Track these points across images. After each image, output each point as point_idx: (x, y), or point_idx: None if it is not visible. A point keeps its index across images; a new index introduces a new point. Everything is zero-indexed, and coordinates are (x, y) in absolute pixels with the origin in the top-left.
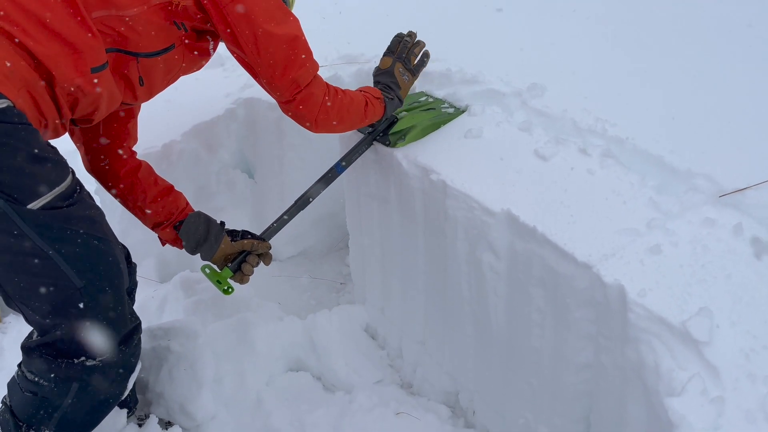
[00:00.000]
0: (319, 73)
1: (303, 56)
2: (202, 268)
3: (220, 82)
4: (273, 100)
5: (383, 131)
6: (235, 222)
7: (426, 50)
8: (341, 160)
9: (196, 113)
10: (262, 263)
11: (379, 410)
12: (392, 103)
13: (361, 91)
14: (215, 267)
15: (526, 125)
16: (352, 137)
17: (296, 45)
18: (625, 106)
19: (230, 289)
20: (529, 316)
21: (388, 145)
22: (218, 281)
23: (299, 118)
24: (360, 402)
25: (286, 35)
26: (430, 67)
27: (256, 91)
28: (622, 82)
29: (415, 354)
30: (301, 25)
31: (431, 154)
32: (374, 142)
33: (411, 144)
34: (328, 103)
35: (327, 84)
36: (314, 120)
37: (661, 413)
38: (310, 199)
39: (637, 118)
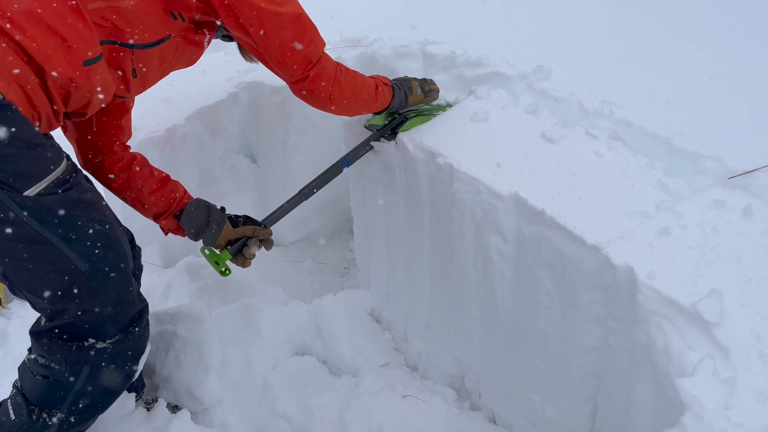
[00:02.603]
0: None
1: (311, 32)
2: (202, 249)
3: (222, 66)
4: (276, 84)
5: (392, 130)
6: (238, 207)
7: (438, 90)
8: (347, 155)
9: (199, 97)
10: (263, 248)
11: (385, 393)
12: (400, 94)
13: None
14: (215, 249)
15: (532, 108)
16: (359, 133)
17: (302, 21)
18: (632, 89)
19: (228, 271)
20: (536, 299)
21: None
22: (216, 262)
23: (313, 95)
24: (366, 385)
25: (291, 13)
26: (434, 50)
27: (258, 74)
28: (628, 64)
29: (421, 337)
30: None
31: (437, 138)
32: (381, 140)
33: (417, 128)
34: (341, 77)
35: (335, 61)
36: (328, 96)
37: (671, 394)
38: (314, 190)
39: (644, 100)
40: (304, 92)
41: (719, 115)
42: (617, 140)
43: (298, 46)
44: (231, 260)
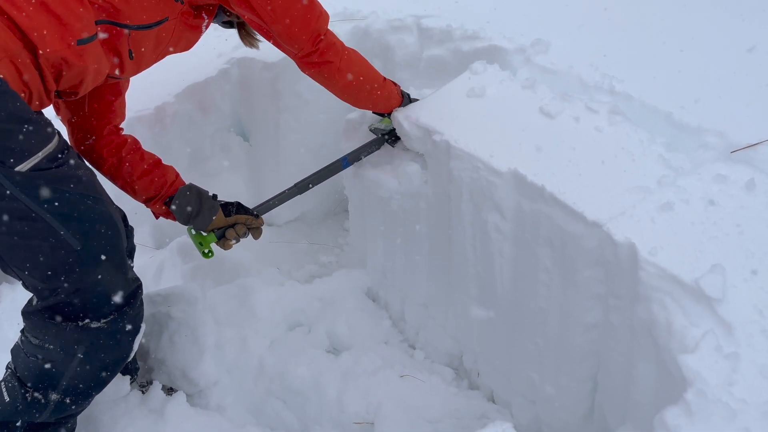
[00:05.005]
0: None
1: (316, 5)
2: (188, 229)
3: (211, 42)
4: (268, 60)
5: (395, 136)
6: (230, 186)
7: None
8: (348, 155)
9: (188, 74)
10: (250, 236)
11: (383, 373)
12: (407, 101)
13: None
14: (201, 231)
15: (529, 82)
16: (358, 134)
17: None
18: (632, 62)
19: (210, 253)
20: (535, 276)
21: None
22: (200, 243)
23: (322, 69)
24: (364, 365)
25: None
26: (429, 24)
27: (249, 50)
28: (629, 37)
29: (418, 316)
30: None
31: (433, 115)
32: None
33: (412, 105)
34: (348, 52)
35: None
36: (337, 69)
37: (673, 370)
38: (310, 186)
39: (645, 73)
40: (313, 67)
41: (721, 88)
42: (618, 114)
43: (308, 20)
44: (215, 243)
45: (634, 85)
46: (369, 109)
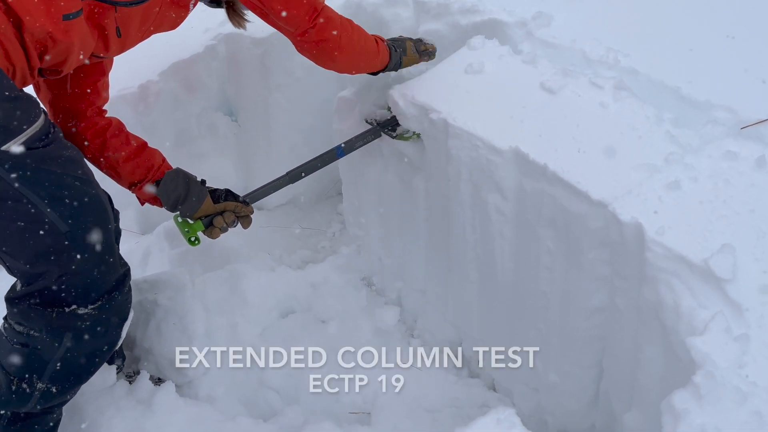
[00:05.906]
0: None
1: None
2: (174, 216)
3: (197, 16)
4: (257, 35)
5: (392, 126)
6: (218, 169)
7: (435, 49)
8: (344, 144)
9: (173, 50)
10: (239, 225)
11: (380, 362)
12: (396, 55)
13: None
14: (188, 219)
15: (530, 57)
16: (351, 113)
17: None
18: (638, 35)
19: (197, 241)
20: (537, 259)
21: (394, 137)
22: (187, 230)
23: (321, 46)
24: (360, 354)
25: None
26: None
27: None
28: (634, 9)
29: (416, 303)
30: None
31: (430, 92)
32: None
33: (408, 82)
34: (347, 25)
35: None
36: (337, 45)
37: (681, 353)
38: (303, 175)
39: (651, 47)
40: (311, 44)
41: (730, 61)
42: (623, 90)
43: None
44: (202, 231)
45: (640, 59)
46: (364, 72)
